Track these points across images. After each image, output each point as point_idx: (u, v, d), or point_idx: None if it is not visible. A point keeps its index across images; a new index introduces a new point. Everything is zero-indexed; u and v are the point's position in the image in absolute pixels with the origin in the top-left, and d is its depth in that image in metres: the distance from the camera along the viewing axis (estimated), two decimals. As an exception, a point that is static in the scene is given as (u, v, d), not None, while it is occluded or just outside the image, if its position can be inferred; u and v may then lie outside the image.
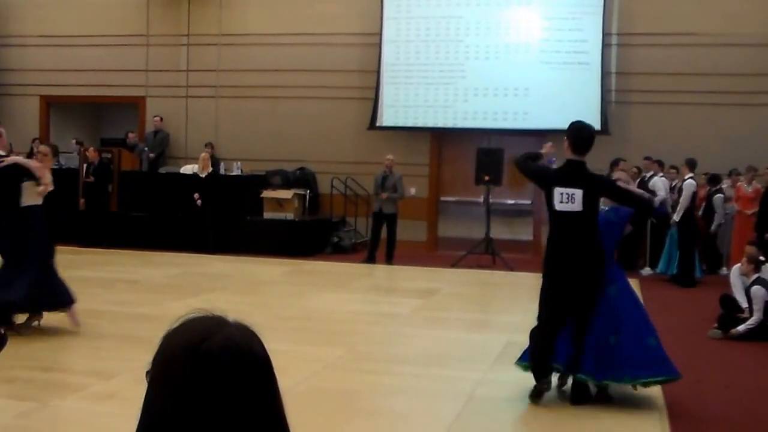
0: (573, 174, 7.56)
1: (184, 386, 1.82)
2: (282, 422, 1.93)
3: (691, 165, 16.47)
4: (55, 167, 21.00)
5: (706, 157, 16.74)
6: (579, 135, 7.72)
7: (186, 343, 1.86)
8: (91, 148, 20.19)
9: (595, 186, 7.65)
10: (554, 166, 8.38)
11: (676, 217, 16.19)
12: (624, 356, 7.52)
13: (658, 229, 17.31)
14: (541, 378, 7.54)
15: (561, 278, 7.51)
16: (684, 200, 16.11)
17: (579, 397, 7.56)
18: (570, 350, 7.55)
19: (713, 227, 17.25)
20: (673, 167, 17.96)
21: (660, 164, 17.94)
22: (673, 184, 17.38)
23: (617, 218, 8.05)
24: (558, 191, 7.50)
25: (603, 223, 7.75)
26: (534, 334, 7.71)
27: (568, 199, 7.45)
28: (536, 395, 7.55)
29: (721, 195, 17.34)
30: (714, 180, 16.96)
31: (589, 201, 7.50)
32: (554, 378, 7.75)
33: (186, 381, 1.82)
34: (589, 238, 7.49)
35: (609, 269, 7.68)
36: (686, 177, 16.37)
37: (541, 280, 7.74)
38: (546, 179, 7.82)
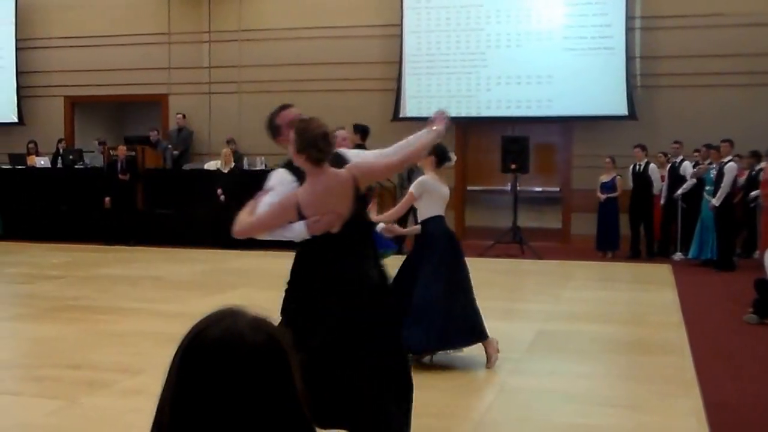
0: None
1: (181, 374, 1.85)
2: (292, 412, 1.89)
3: (733, 145, 16.18)
4: (80, 167, 21.18)
5: (736, 140, 16.49)
6: None
7: (189, 333, 1.89)
8: (122, 147, 20.17)
9: None
10: None
11: (716, 202, 15.88)
12: None
13: (690, 213, 17.13)
14: None
15: None
16: (726, 184, 15.81)
17: None
18: None
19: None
20: (696, 150, 17.77)
21: (709, 148, 17.30)
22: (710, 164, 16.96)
23: None
24: None
25: None
26: None
27: None
28: None
29: None
30: (757, 156, 16.58)
31: None
32: None
33: (182, 369, 1.85)
34: None
35: None
36: (726, 159, 16.07)
37: None
38: None
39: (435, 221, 8.44)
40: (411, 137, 5.71)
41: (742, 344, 9.67)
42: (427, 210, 8.47)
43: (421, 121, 19.67)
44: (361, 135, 13.84)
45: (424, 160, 8.26)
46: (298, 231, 5.10)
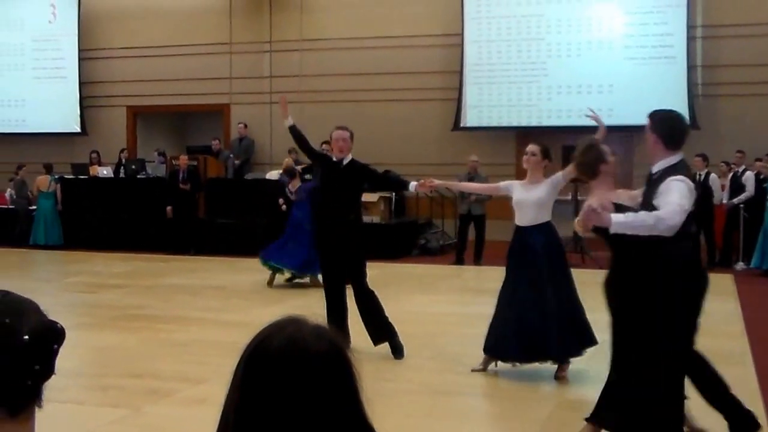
0: None
1: (245, 382, 1.86)
2: (357, 422, 1.89)
3: None
4: (142, 177, 21.40)
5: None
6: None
7: (251, 341, 1.90)
8: (183, 156, 20.33)
9: None
10: None
11: None
12: None
13: (752, 222, 16.94)
14: None
15: None
16: None
17: None
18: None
19: None
20: (759, 159, 17.57)
21: None
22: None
23: None
24: None
25: None
26: None
27: None
28: None
29: None
30: None
31: None
32: None
33: (246, 377, 1.86)
34: None
35: None
36: None
37: None
38: None
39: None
40: None
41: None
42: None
43: (482, 131, 19.38)
44: None
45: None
46: None
